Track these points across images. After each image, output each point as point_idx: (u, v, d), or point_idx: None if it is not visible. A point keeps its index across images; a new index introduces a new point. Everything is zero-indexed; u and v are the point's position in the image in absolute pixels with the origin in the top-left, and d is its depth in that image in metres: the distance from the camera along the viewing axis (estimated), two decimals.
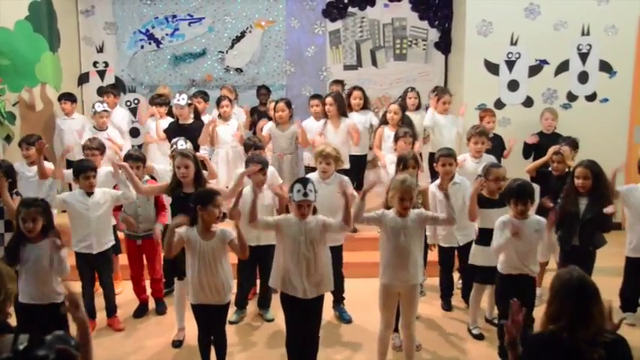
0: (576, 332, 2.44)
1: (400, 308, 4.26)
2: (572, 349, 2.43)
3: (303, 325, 4.10)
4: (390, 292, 4.18)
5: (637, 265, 5.25)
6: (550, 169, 5.71)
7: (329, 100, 6.59)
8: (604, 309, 2.51)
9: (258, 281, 5.50)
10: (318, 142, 6.26)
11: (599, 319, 2.47)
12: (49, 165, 5.88)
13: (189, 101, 6.71)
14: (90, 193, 5.05)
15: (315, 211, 4.06)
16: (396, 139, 5.99)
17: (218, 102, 7.27)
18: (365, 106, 7.12)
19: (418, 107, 7.31)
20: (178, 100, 6.62)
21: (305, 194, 3.89)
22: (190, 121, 6.68)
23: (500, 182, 4.86)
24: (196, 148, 6.20)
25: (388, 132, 6.59)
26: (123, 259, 5.67)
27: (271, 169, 5.70)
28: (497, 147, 6.77)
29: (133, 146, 7.37)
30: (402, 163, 5.14)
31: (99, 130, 6.89)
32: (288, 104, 6.72)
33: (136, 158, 5.41)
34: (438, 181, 5.29)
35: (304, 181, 3.98)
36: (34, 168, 5.76)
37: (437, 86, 7.67)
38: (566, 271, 2.65)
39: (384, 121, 6.75)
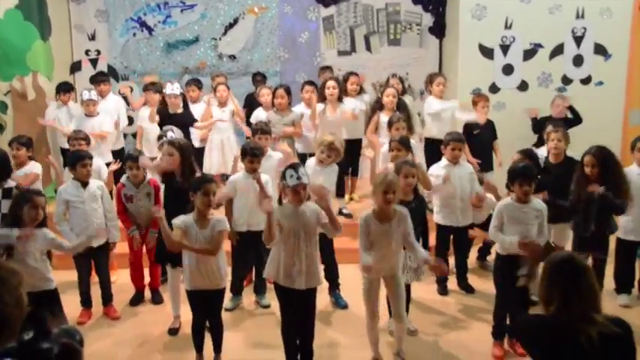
0: (571, 310, 2.44)
1: (389, 300, 4.29)
2: (567, 330, 2.44)
3: (300, 315, 4.10)
4: (370, 282, 4.22)
5: (629, 247, 5.30)
6: (547, 156, 5.63)
7: (332, 83, 6.58)
8: (596, 286, 2.53)
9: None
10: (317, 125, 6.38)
11: (589, 296, 2.49)
12: (36, 167, 5.83)
13: (181, 90, 6.70)
14: (85, 185, 5.04)
15: (308, 198, 4.04)
16: (390, 125, 5.98)
17: (215, 89, 7.27)
18: (360, 92, 7.12)
19: (403, 93, 7.26)
20: (172, 89, 6.61)
21: (298, 178, 3.87)
22: (180, 110, 6.66)
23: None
24: (187, 136, 6.18)
25: (384, 118, 6.56)
26: (118, 247, 5.62)
27: (278, 156, 5.70)
28: (490, 133, 6.77)
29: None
30: (390, 146, 5.29)
31: (88, 116, 6.86)
32: (288, 91, 6.68)
33: (136, 159, 5.27)
34: (441, 164, 5.43)
35: (295, 166, 3.97)
36: (23, 169, 5.70)
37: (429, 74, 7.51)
38: (555, 254, 2.69)
39: (379, 107, 6.71)
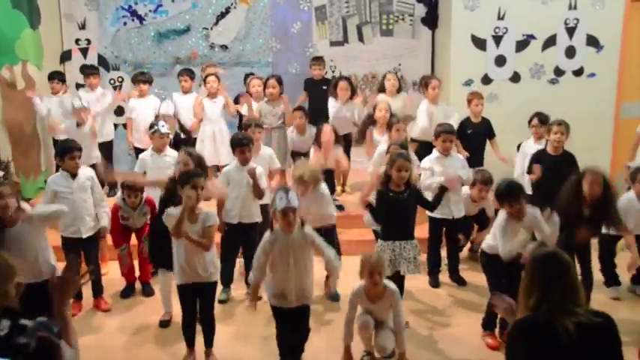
0: (549, 303, 2.47)
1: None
2: (544, 324, 2.45)
3: (295, 326, 4.10)
4: (365, 319, 4.26)
5: (609, 241, 5.29)
6: (544, 148, 5.60)
7: (328, 130, 6.16)
8: (576, 279, 2.56)
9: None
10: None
11: (570, 289, 2.51)
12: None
13: (167, 132, 5.80)
14: (74, 175, 4.98)
15: (302, 223, 3.97)
16: (390, 127, 5.94)
17: (205, 79, 7.21)
18: (352, 96, 7.01)
19: (399, 90, 7.18)
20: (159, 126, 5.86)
21: (288, 201, 3.79)
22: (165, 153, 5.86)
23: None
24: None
25: (377, 136, 6.44)
26: (109, 239, 5.59)
27: (269, 151, 5.68)
28: (485, 131, 6.71)
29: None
30: (388, 149, 5.33)
31: (79, 125, 6.75)
32: (279, 81, 6.63)
33: (134, 188, 5.22)
34: (433, 156, 5.45)
35: (285, 190, 3.91)
36: None
37: (423, 76, 7.33)
38: (540, 249, 2.75)
39: (370, 122, 6.55)
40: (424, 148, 6.35)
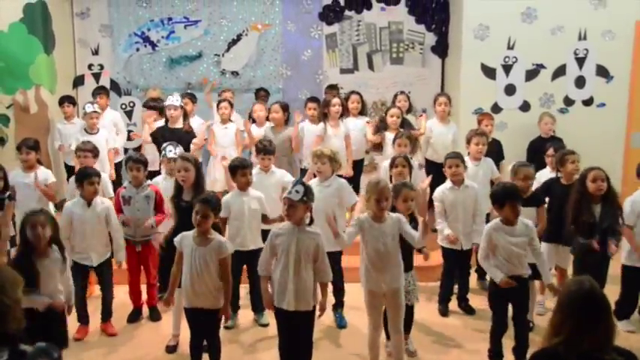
0: (575, 346, 2.33)
1: (387, 314, 4.24)
2: None
3: (296, 333, 4.05)
4: (373, 295, 4.18)
5: (635, 274, 5.18)
6: (558, 175, 5.48)
7: (338, 101, 6.59)
8: (612, 325, 2.39)
9: None
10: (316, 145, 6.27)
11: (604, 336, 2.35)
12: (49, 175, 5.82)
13: (181, 103, 6.56)
14: (89, 203, 4.98)
15: (311, 222, 4.01)
16: (394, 141, 6.01)
17: (218, 105, 7.22)
18: (362, 111, 7.09)
19: (409, 111, 7.29)
20: (172, 100, 6.49)
21: (289, 192, 3.89)
22: (180, 125, 6.49)
23: (528, 181, 5.00)
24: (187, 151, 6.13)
25: (390, 136, 6.53)
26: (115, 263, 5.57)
27: (282, 172, 5.66)
28: (496, 152, 6.71)
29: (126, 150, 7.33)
30: (392, 163, 5.32)
31: (90, 133, 6.80)
32: (284, 107, 6.66)
33: (137, 160, 5.32)
34: (446, 185, 5.39)
35: (296, 183, 4.00)
36: (32, 174, 5.61)
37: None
38: (576, 282, 2.51)
39: (384, 127, 6.68)
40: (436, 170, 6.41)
